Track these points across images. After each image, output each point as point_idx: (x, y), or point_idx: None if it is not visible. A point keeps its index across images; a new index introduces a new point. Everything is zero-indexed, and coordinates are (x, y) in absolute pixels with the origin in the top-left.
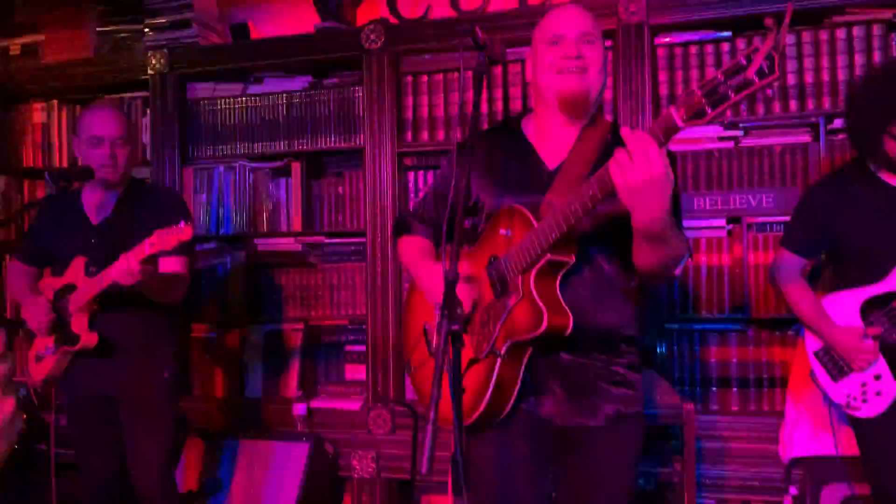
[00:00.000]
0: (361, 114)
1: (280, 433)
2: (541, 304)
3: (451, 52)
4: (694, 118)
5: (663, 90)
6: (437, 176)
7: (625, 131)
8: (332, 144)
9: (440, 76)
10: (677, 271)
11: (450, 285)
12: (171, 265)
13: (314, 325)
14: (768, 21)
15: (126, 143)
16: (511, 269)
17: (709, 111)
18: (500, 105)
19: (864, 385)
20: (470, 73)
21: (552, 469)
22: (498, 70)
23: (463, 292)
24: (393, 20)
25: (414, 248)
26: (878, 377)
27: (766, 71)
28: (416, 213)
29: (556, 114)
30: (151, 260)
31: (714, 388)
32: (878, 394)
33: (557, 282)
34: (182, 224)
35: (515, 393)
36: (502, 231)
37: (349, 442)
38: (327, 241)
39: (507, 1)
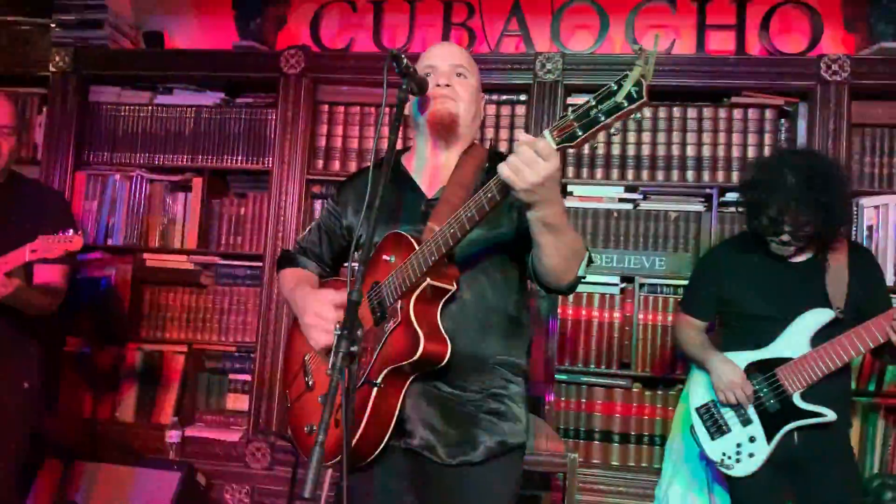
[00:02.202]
0: (272, 136)
1: (148, 460)
2: (418, 328)
3: (369, 87)
4: (566, 141)
5: None
6: (323, 210)
7: (521, 135)
8: (239, 164)
9: (357, 108)
10: (580, 271)
11: (353, 305)
12: (48, 275)
13: (198, 349)
14: (639, 48)
15: (11, 134)
16: (391, 294)
17: (580, 134)
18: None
19: (738, 445)
20: (388, 109)
21: None
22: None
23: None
24: (314, 48)
25: (298, 278)
26: (752, 439)
27: (635, 96)
28: (302, 248)
29: (431, 141)
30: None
31: (597, 441)
32: (751, 455)
33: (438, 308)
34: (71, 233)
35: (392, 426)
36: (385, 256)
37: (224, 474)
38: (221, 262)
39: (431, 42)
